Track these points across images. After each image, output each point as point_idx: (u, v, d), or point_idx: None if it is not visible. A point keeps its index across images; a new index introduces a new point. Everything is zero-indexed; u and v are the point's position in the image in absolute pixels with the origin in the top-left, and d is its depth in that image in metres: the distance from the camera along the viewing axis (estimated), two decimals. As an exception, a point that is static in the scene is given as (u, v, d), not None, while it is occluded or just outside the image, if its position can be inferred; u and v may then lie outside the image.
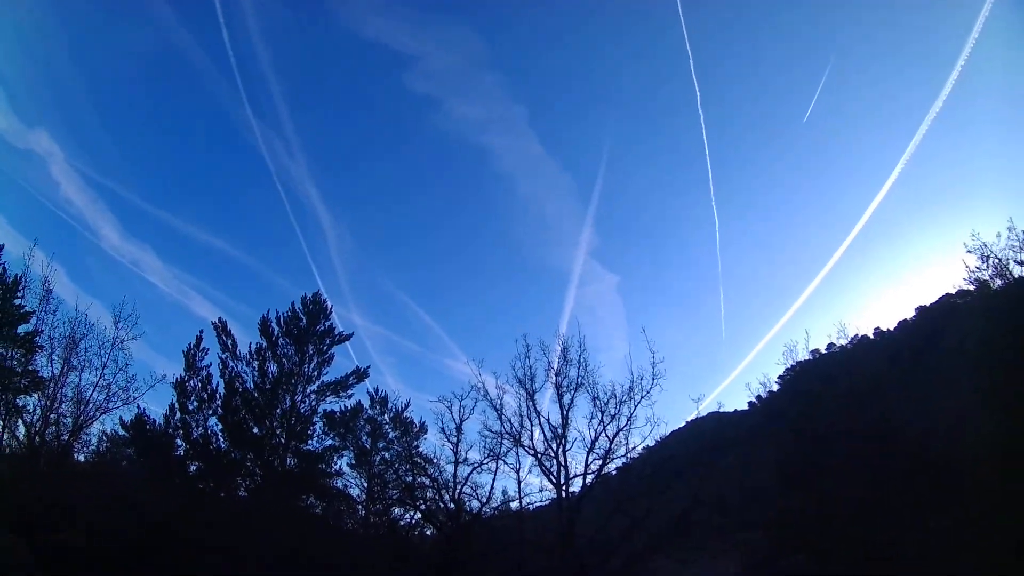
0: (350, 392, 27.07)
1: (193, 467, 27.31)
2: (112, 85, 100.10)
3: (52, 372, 26.07)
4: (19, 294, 26.77)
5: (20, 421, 27.74)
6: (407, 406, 27.99)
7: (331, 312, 27.22)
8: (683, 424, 40.37)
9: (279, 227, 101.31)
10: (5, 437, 27.94)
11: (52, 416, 26.69)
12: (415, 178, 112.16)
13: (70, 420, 26.68)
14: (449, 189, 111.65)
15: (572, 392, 25.29)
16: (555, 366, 25.64)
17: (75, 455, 28.00)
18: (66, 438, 27.09)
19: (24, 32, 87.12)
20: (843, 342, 48.54)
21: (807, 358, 47.46)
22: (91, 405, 26.10)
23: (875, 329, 50.66)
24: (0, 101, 79.22)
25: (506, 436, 25.71)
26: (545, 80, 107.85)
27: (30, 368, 27.00)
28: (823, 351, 46.21)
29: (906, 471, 22.44)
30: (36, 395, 27.16)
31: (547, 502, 27.98)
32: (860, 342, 47.59)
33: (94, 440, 27.82)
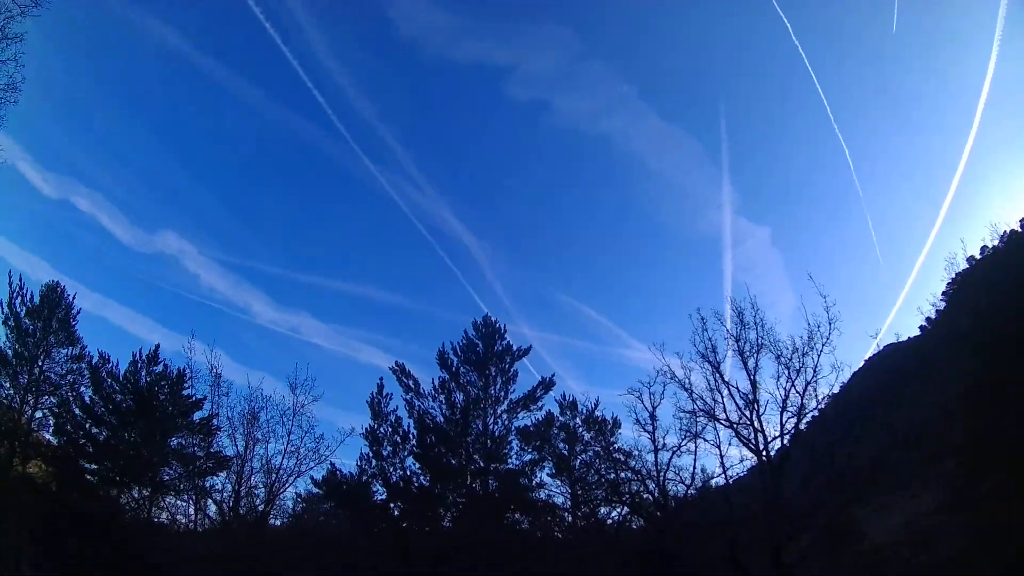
0: (540, 404, 25.70)
1: (396, 510, 26.57)
2: (224, 173, 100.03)
3: (237, 449, 25.48)
4: (186, 385, 26.47)
5: (210, 501, 27.54)
6: (597, 405, 26.58)
7: (504, 331, 25.67)
8: (863, 363, 38.30)
9: (429, 263, 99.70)
10: (198, 518, 27.81)
11: (243, 490, 26.31)
12: (544, 182, 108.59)
13: (263, 490, 26.24)
14: (579, 183, 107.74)
15: (755, 355, 24.00)
16: (733, 332, 24.39)
17: (271, 521, 27.58)
18: (261, 507, 26.64)
19: (132, 149, 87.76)
20: (994, 242, 45.54)
21: (966, 267, 44.68)
22: (282, 472, 25.52)
23: (1021, 220, 46.54)
24: (119, 217, 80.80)
25: (700, 413, 24.60)
26: (647, 53, 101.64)
27: (212, 450, 26.49)
28: (978, 256, 43.21)
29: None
30: (223, 474, 26.78)
31: (747, 472, 26.89)
32: (1010, 238, 44.28)
33: (288, 503, 27.43)
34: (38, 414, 29.42)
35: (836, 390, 26.98)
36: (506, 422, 25.44)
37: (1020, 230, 45.20)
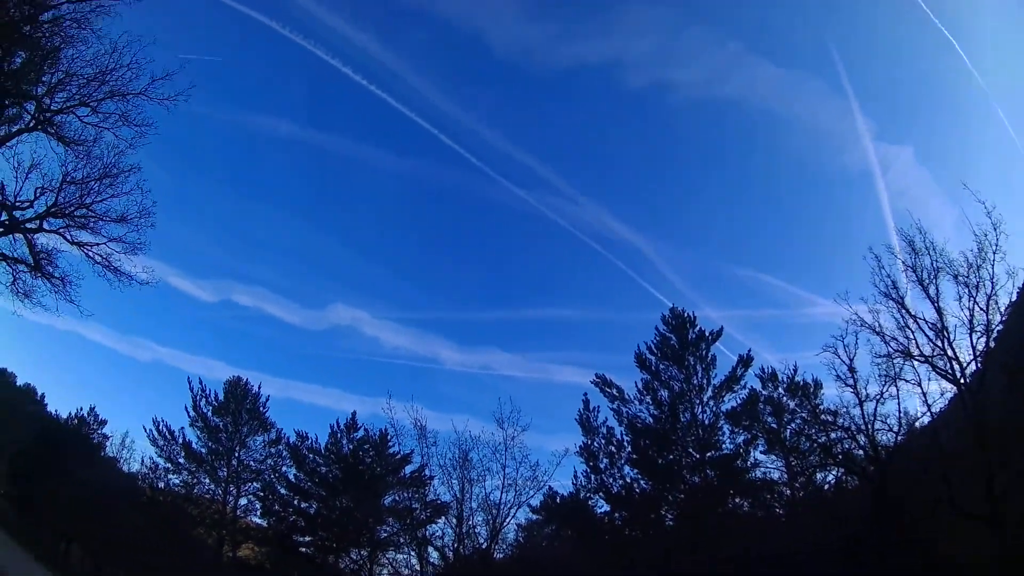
0: (742, 383, 24.90)
1: (619, 519, 26.37)
2: (373, 236, 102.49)
3: (453, 493, 25.65)
4: (390, 443, 26.81)
5: (431, 548, 28.00)
6: (796, 370, 25.62)
7: (695, 319, 24.99)
8: None
9: (600, 271, 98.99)
10: (422, 568, 28.34)
11: (464, 531, 26.59)
12: (681, 161, 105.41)
13: (483, 528, 26.42)
14: (714, 153, 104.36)
15: (934, 280, 22.93)
16: (909, 262, 23.31)
17: (495, 554, 27.82)
18: (484, 545, 26.90)
19: (277, 238, 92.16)
20: None
21: None
22: (503, 506, 25.55)
23: None
24: (284, 303, 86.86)
25: (895, 355, 23.54)
26: (743, 5, 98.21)
27: (428, 500, 26.82)
28: None
29: None
30: (441, 520, 27.13)
31: (949, 404, 25.63)
32: None
33: (510, 535, 27.58)
34: (242, 501, 30.75)
35: (1015, 298, 25.58)
36: (713, 408, 24.81)
37: None
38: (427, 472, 25.62)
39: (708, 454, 25.11)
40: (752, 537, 24.82)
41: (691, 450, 25.12)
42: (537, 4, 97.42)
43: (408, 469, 26.78)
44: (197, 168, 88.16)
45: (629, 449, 24.69)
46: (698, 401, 24.69)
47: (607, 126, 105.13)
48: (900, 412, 23.48)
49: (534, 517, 26.72)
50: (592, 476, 24.96)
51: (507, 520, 26.02)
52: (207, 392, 29.21)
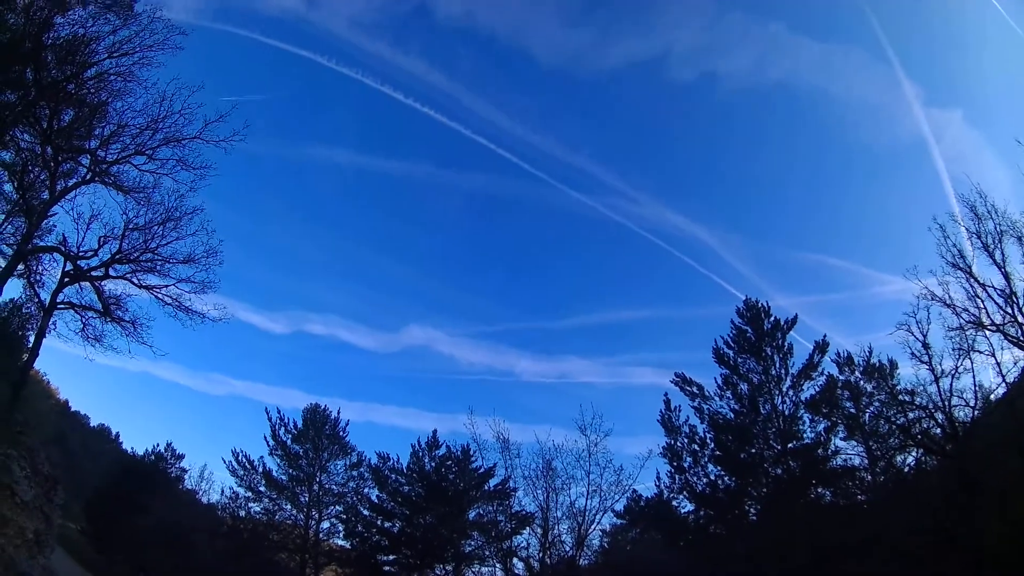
0: (820, 369, 24.89)
1: (702, 517, 26.40)
2: (441, 255, 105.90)
3: (538, 502, 25.93)
4: (472, 458, 27.32)
5: (517, 560, 28.30)
6: (871, 352, 25.51)
7: (769, 309, 25.05)
8: None
9: (670, 268, 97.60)
10: (505, 579, 28.63)
11: (549, 540, 26.85)
12: (735, 149, 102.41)
13: (569, 536, 26.60)
14: (768, 137, 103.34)
15: (999, 245, 22.57)
16: (973, 229, 23.07)
17: (580, 560, 28.00)
18: (570, 552, 27.10)
19: (344, 264, 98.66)
20: None
21: None
22: (588, 512, 25.73)
23: None
24: (357, 328, 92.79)
25: (967, 326, 23.27)
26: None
27: (513, 511, 27.20)
28: None
29: None
30: (526, 531, 27.41)
31: (1021, 373, 25.27)
32: None
33: (595, 542, 27.74)
34: (325, 524, 31.39)
35: None
36: (793, 398, 24.74)
37: None
38: (511, 484, 26.03)
39: (789, 445, 25.02)
40: (834, 527, 24.74)
41: (773, 442, 25.05)
42: (577, 9, 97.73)
43: (492, 482, 27.20)
44: (260, 204, 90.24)
45: (712, 446, 24.74)
46: (777, 392, 24.68)
47: (658, 122, 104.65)
48: (975, 386, 23.16)
49: (618, 522, 26.93)
50: (676, 476, 25.04)
51: (592, 526, 26.18)
52: (285, 421, 30.02)
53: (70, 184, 20.67)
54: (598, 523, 26.10)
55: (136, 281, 21.28)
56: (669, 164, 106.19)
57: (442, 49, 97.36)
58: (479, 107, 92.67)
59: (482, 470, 27.14)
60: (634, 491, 25.51)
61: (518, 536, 27.40)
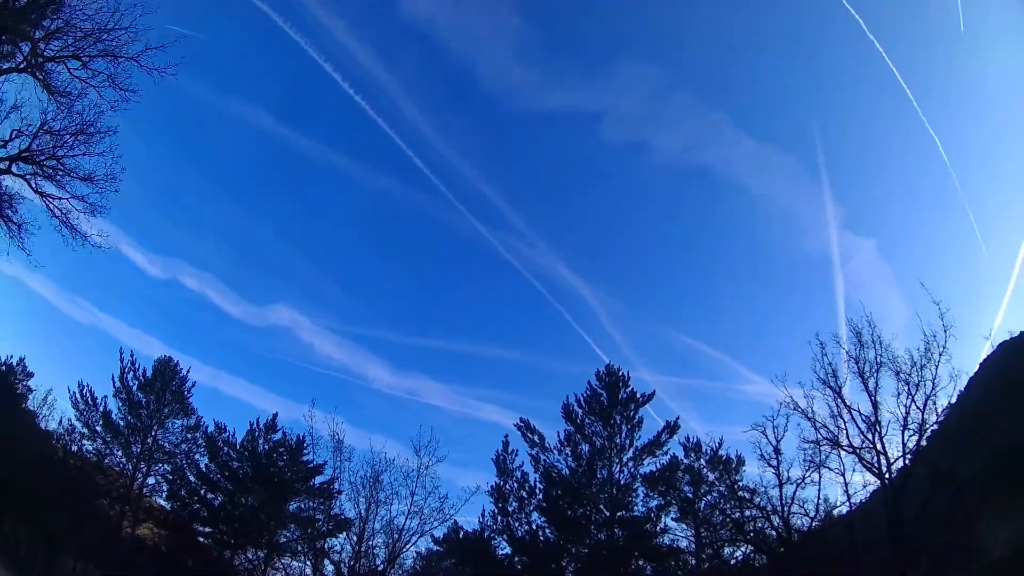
0: (665, 449, 24.94)
1: (519, 564, 26.04)
2: (329, 245, 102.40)
3: (359, 511, 25.26)
4: (306, 451, 26.43)
5: (328, 561, 27.49)
6: (720, 444, 25.73)
7: (628, 379, 25.05)
8: (979, 367, 36.67)
9: (545, 317, 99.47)
10: (314, 577, 27.79)
11: (363, 549, 26.19)
12: (648, 221, 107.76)
13: (383, 550, 25.97)
14: (682, 218, 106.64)
15: (875, 375, 23.30)
16: (852, 353, 23.63)
17: (391, 578, 27.36)
18: (381, 567, 26.46)
19: (235, 229, 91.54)
20: None
21: None
22: (405, 532, 25.22)
23: None
24: (229, 294, 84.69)
25: (823, 442, 23.83)
26: (733, 78, 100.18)
27: (333, 513, 26.36)
28: None
29: None
30: (343, 535, 26.64)
31: (871, 497, 25.93)
32: None
33: (408, 562, 27.16)
34: (151, 480, 30.01)
35: (955, 400, 26.02)
36: (632, 469, 24.77)
37: None
38: (336, 486, 25.23)
39: (619, 513, 24.99)
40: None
41: (603, 507, 24.99)
42: (534, 46, 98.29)
43: (318, 480, 26.39)
44: (168, 144, 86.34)
45: (540, 497, 24.52)
46: (617, 460, 24.67)
47: (576, 175, 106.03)
48: (819, 499, 23.71)
49: (436, 548, 26.32)
50: (499, 517, 24.72)
51: (407, 546, 25.63)
52: (136, 366, 28.70)
53: (4, 67, 19.73)
54: (414, 544, 25.61)
55: (34, 185, 20.21)
56: (576, 218, 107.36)
57: (392, 42, 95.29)
58: (409, 111, 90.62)
59: (312, 465, 26.34)
60: (455, 522, 25.05)
61: (334, 538, 26.64)
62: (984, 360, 36.64)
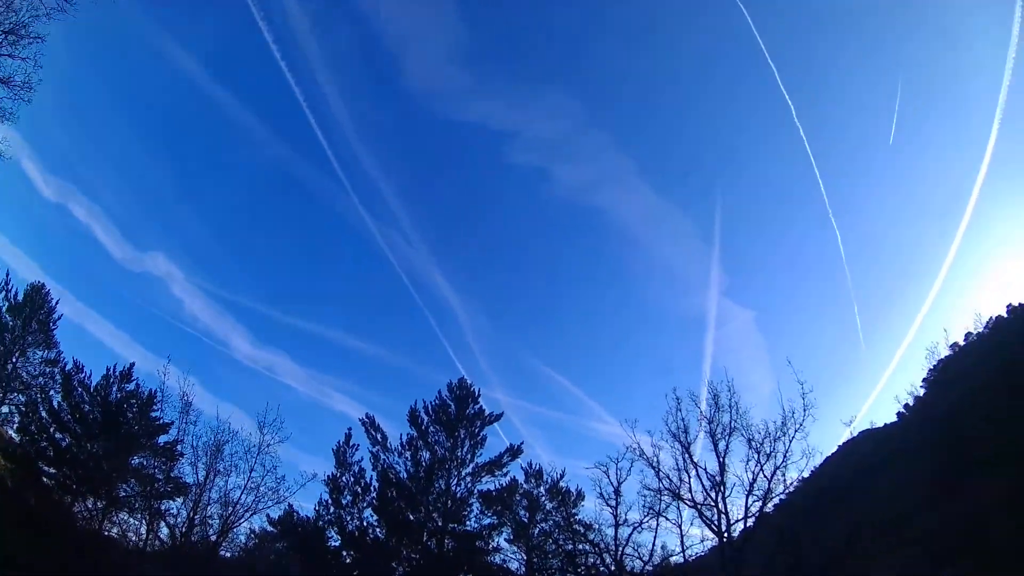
0: (505, 470, 25.60)
1: (348, 558, 26.26)
2: (219, 204, 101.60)
3: (197, 477, 25.26)
4: (155, 407, 26.28)
5: (164, 523, 27.28)
6: (562, 476, 26.52)
7: (479, 395, 25.65)
8: (836, 448, 38.48)
9: (411, 319, 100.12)
10: (149, 539, 27.51)
11: (198, 518, 26.08)
12: (534, 248, 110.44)
13: (217, 521, 26.00)
14: (570, 252, 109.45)
15: (727, 438, 24.32)
16: (707, 414, 24.62)
17: (223, 552, 27.26)
18: (214, 538, 26.37)
19: (126, 163, 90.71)
20: (979, 329, 45.56)
21: (948, 354, 44.71)
22: (239, 507, 25.28)
23: (1007, 306, 46.43)
24: (113, 231, 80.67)
25: (665, 492, 24.73)
26: (648, 129, 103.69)
27: (173, 475, 26.23)
28: (961, 343, 43.45)
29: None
30: (180, 499, 26.53)
31: (708, 551, 26.87)
32: (996, 324, 44.45)
33: (242, 538, 27.13)
34: (4, 409, 29.42)
35: (806, 475, 27.20)
36: (469, 484, 25.35)
37: (1007, 316, 45.46)
38: (180, 448, 25.16)
39: (451, 525, 25.43)
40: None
41: (436, 516, 25.39)
42: (467, 51, 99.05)
43: (163, 439, 26.22)
44: (93, 68, 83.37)
45: (375, 495, 24.80)
46: (456, 473, 25.17)
47: (472, 185, 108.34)
48: (654, 545, 24.48)
49: (270, 529, 26.40)
50: (332, 508, 24.87)
51: (241, 521, 25.74)
52: (9, 287, 28.12)
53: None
54: (247, 520, 25.68)
55: (-53, 76, 19.71)
56: (464, 231, 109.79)
57: (329, 18, 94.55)
58: (329, 89, 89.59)
59: (159, 422, 26.18)
60: (291, 506, 25.18)
61: (172, 501, 26.44)
62: (843, 444, 38.66)
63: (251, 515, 25.33)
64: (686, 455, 24.44)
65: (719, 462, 24.15)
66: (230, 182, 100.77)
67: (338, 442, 25.10)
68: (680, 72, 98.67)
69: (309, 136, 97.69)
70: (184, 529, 26.29)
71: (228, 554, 27.46)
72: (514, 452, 25.46)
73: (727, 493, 24.06)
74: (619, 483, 24.98)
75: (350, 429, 26.39)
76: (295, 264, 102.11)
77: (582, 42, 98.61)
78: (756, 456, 23.57)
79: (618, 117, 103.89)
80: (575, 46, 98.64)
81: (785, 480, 23.83)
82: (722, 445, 24.18)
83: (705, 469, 24.38)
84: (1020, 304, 43.95)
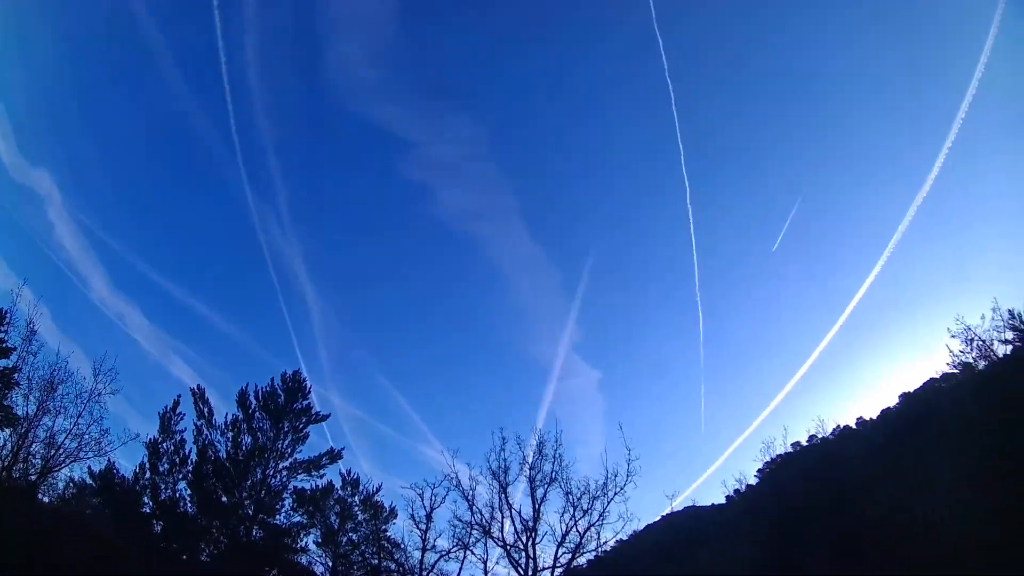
0: (322, 472, 26.54)
1: (158, 527, 26.65)
2: (116, 138, 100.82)
3: (27, 412, 25.43)
4: (2, 328, 26.46)
5: (-10, 453, 27.45)
6: (378, 490, 27.49)
7: (310, 392, 26.77)
8: (658, 519, 39.53)
9: (266, 301, 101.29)
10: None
11: (22, 454, 26.32)
12: (404, 263, 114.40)
13: (40, 461, 26.23)
14: (437, 276, 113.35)
15: (545, 486, 25.59)
16: (530, 460, 25.77)
17: (40, 496, 27.49)
18: (34, 478, 26.62)
19: (35, 72, 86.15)
20: (823, 434, 47.28)
21: (787, 451, 46.15)
22: (62, 451, 25.50)
23: (857, 419, 49.81)
24: (7, 133, 79.94)
25: (476, 526, 25.76)
26: (538, 174, 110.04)
27: (5, 403, 26.51)
28: (804, 443, 44.94)
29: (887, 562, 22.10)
30: (8, 431, 26.80)
31: None
32: (842, 432, 46.56)
33: (61, 485, 27.39)
34: None
35: (623, 537, 28.03)
36: (285, 479, 26.20)
37: (854, 427, 47.29)
38: (16, 377, 25.50)
39: (262, 516, 26.05)
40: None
41: (248, 503, 26.04)
42: (390, 50, 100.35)
43: (2, 363, 26.46)
44: None
45: (191, 468, 25.47)
46: (274, 464, 25.93)
47: (363, 192, 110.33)
48: (460, 575, 25.26)
49: (90, 482, 26.84)
50: (149, 474, 25.52)
51: (62, 466, 26.05)
52: None
53: None
54: (68, 467, 25.96)
55: None
56: (335, 224, 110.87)
57: None
58: (252, 55, 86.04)
59: (2, 345, 26.50)
60: (111, 462, 25.64)
61: (1, 430, 26.75)
62: (666, 515, 39.52)
63: (72, 462, 25.69)
64: (503, 495, 25.45)
65: (534, 508, 25.22)
66: (130, 119, 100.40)
67: (165, 407, 25.83)
68: (586, 131, 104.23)
69: (218, 95, 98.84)
70: (8, 463, 26.70)
71: (46, 499, 27.77)
72: (333, 455, 26.49)
73: (538, 540, 24.96)
74: (432, 508, 25.91)
75: (179, 396, 26.60)
76: (170, 219, 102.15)
77: (499, 72, 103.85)
78: (572, 510, 24.65)
79: (513, 156, 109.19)
80: (491, 74, 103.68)
81: (599, 538, 24.75)
82: (540, 492, 25.38)
83: (519, 512, 25.27)
84: (869, 418, 46.38)
